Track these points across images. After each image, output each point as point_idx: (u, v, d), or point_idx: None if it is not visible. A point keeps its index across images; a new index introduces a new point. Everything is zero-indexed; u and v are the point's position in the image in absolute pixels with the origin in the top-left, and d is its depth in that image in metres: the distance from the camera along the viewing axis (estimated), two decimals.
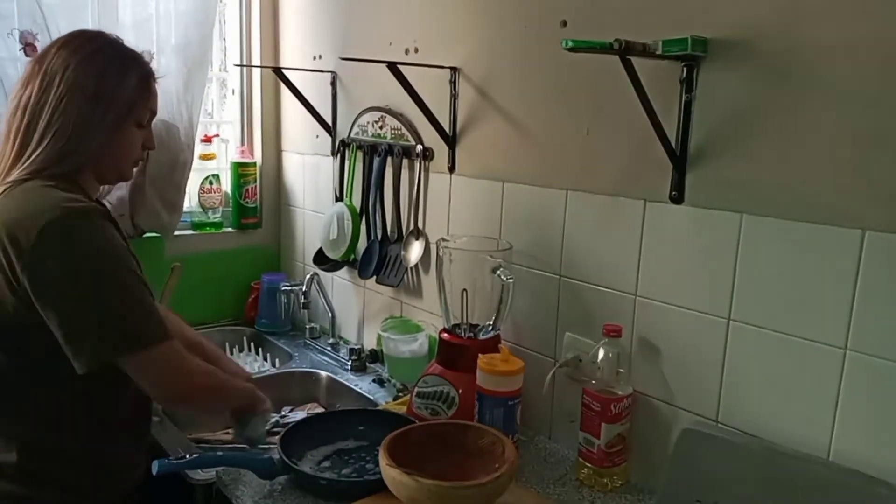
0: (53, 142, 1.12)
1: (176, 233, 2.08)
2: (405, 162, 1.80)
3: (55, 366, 1.09)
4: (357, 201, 1.95)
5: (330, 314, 2.10)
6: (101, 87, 1.14)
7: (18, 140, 1.14)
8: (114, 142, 1.18)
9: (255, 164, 2.30)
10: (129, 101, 1.18)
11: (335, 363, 1.96)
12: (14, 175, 1.13)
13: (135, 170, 1.28)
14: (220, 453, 1.26)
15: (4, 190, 1.12)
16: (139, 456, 1.26)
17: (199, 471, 1.31)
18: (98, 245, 1.09)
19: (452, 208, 1.69)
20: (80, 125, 1.13)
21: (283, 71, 2.04)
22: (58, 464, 1.15)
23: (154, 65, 1.26)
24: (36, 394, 1.14)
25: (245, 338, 2.21)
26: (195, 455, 1.22)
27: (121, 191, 1.90)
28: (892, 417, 0.98)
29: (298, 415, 1.74)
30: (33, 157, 1.12)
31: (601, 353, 1.27)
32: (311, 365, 1.97)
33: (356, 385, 1.81)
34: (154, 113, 1.26)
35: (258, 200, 2.31)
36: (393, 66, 1.57)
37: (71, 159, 1.14)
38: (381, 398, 1.73)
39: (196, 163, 2.08)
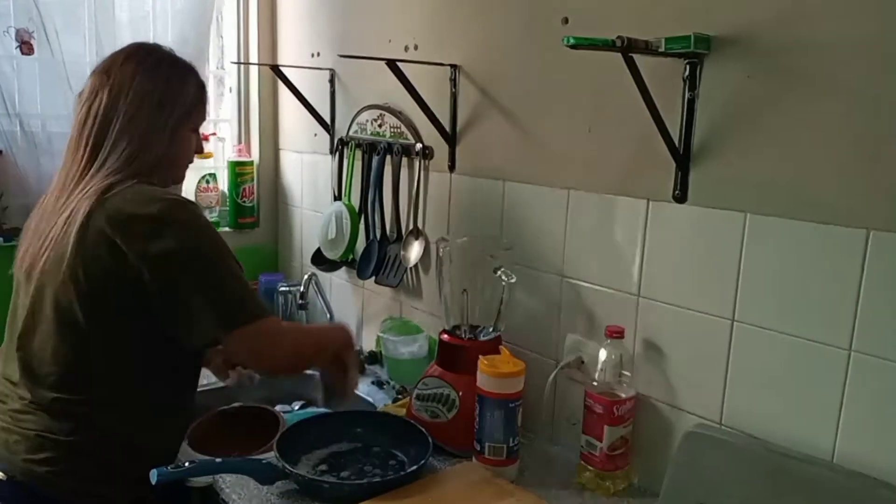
0: (125, 146, 1.20)
1: None
2: (405, 160, 1.79)
3: (131, 350, 1.19)
4: (356, 200, 1.93)
5: (328, 315, 2.09)
6: (165, 94, 1.24)
7: (90, 145, 1.21)
8: (174, 145, 1.27)
9: (252, 162, 2.28)
10: (188, 107, 1.28)
11: None
12: (91, 180, 1.18)
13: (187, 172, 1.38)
14: (218, 460, 1.25)
15: (100, 194, 1.16)
16: (176, 444, 1.32)
17: None
18: (209, 230, 1.20)
19: (452, 208, 1.67)
20: (148, 130, 1.22)
21: (281, 68, 2.03)
22: (106, 443, 1.19)
23: None
24: (108, 374, 1.19)
25: None
26: (194, 463, 1.20)
27: None
28: None
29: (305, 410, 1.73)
30: (107, 161, 1.19)
31: (603, 355, 1.26)
32: None
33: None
34: (205, 118, 1.36)
35: (255, 200, 2.30)
36: (392, 64, 1.55)
37: (139, 162, 1.21)
38: (381, 400, 1.71)
39: None
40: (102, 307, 1.16)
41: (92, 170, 1.19)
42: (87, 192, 1.17)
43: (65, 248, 1.15)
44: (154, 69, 1.25)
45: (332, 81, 2.03)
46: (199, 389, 1.72)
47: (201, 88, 1.32)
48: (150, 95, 1.22)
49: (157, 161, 1.23)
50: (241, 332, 1.17)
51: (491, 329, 1.45)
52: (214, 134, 2.28)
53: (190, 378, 1.33)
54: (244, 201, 2.26)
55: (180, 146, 1.29)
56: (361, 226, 1.91)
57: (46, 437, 1.16)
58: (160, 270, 1.13)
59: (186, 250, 1.15)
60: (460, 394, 1.37)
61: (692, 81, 1.15)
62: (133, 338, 1.19)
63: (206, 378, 1.65)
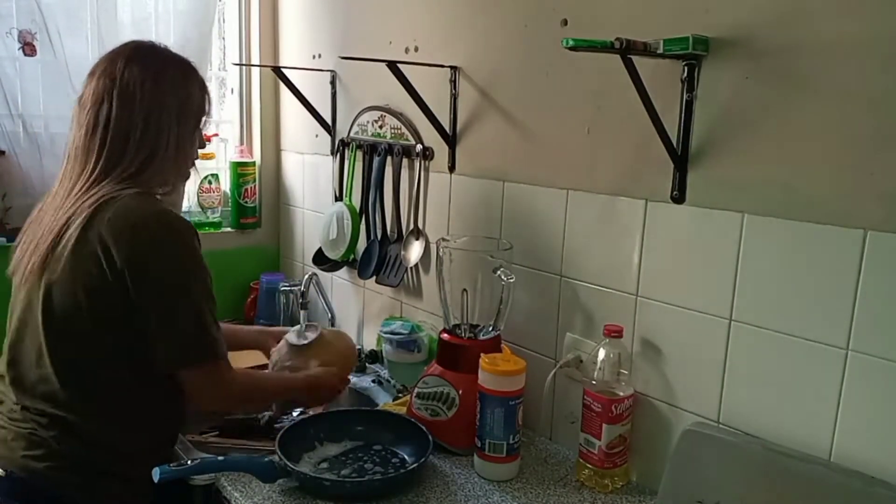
0: (144, 157, 1.20)
1: None
2: (405, 161, 1.80)
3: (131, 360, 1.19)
4: (357, 201, 1.94)
5: (329, 314, 2.10)
6: (179, 101, 1.24)
7: (104, 154, 1.19)
8: (187, 149, 1.29)
9: (254, 163, 2.29)
10: (198, 109, 1.29)
11: None
12: (103, 188, 1.18)
13: None
14: (220, 458, 1.25)
15: (103, 201, 1.16)
16: (167, 448, 1.34)
17: None
18: (195, 259, 1.19)
19: (452, 208, 1.68)
20: (167, 140, 1.22)
21: (283, 70, 2.03)
22: (93, 449, 1.19)
23: None
24: (92, 383, 1.19)
25: None
26: (196, 461, 1.21)
27: None
28: (893, 418, 0.98)
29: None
30: (123, 170, 1.19)
31: (602, 354, 1.27)
32: None
33: (355, 386, 1.80)
34: (210, 113, 1.36)
35: (257, 200, 2.31)
36: (393, 65, 1.56)
37: (153, 171, 1.22)
38: (381, 399, 1.72)
39: None
40: (91, 315, 1.15)
41: (107, 179, 1.19)
42: (92, 199, 1.16)
43: (60, 254, 1.14)
44: (163, 74, 1.23)
45: (333, 83, 2.04)
46: None
47: (203, 87, 1.31)
48: (166, 104, 1.22)
49: (170, 166, 1.25)
50: (191, 370, 1.20)
51: (491, 328, 1.45)
52: (217, 135, 2.29)
53: (178, 387, 1.28)
54: (246, 202, 2.27)
55: (193, 147, 1.31)
56: (362, 226, 1.92)
57: (39, 436, 1.16)
58: (143, 291, 1.15)
59: (170, 280, 1.16)
60: (460, 392, 1.37)
61: (690, 83, 1.16)
62: (118, 348, 1.18)
63: None
